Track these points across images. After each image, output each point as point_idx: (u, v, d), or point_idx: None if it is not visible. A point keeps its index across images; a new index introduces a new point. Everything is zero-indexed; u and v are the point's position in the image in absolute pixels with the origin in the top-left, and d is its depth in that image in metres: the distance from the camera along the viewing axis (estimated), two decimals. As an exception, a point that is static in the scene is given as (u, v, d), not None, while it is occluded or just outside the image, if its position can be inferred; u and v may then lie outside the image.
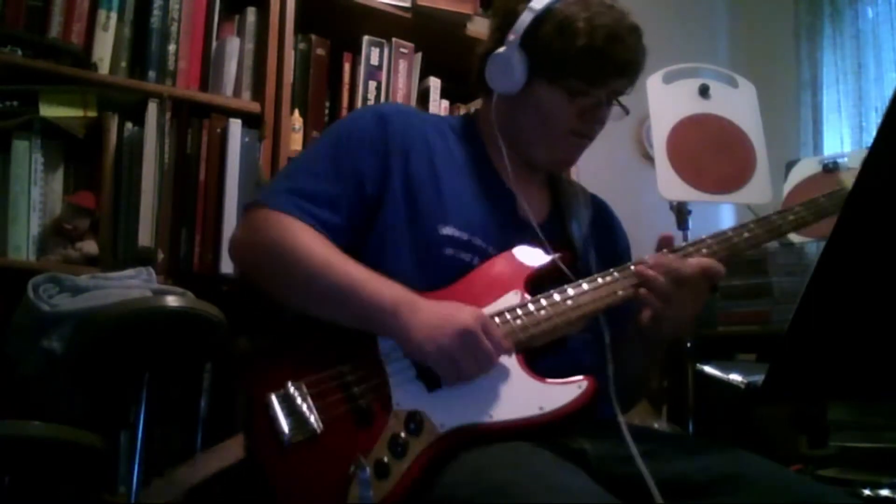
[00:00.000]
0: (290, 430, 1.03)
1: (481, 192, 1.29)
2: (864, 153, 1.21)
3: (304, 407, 1.04)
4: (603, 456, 1.09)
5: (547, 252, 1.24)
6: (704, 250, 1.21)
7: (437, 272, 1.17)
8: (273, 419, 1.04)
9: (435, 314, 1.08)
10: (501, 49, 1.27)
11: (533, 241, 1.25)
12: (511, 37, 1.25)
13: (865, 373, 0.91)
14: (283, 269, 1.16)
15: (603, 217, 1.46)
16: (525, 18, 1.25)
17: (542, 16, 1.24)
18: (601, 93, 1.28)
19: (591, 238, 1.35)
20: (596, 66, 1.25)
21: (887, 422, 1.56)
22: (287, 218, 1.18)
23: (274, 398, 1.06)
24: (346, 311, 1.12)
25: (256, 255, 1.21)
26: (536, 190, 1.38)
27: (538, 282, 1.20)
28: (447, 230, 1.21)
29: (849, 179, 1.30)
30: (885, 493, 1.42)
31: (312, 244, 1.16)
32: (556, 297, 1.16)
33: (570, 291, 1.17)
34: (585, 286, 1.18)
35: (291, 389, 1.06)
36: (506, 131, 1.32)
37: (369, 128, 1.27)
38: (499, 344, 1.07)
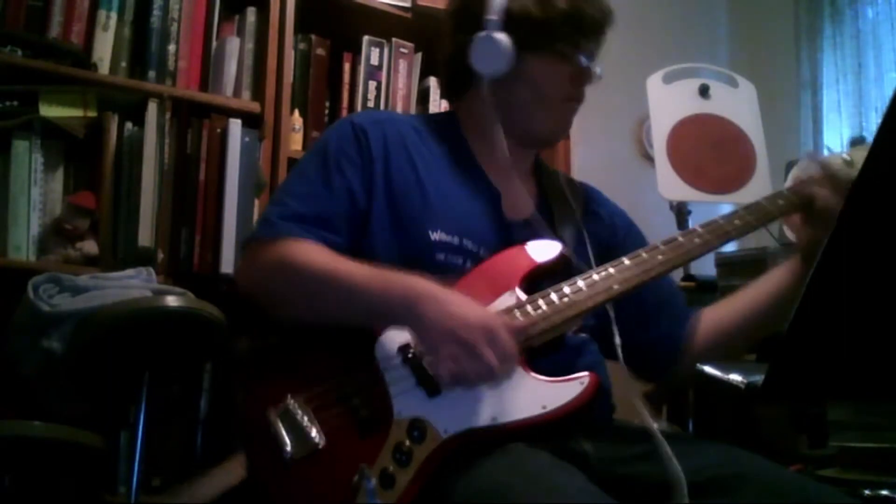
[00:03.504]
0: (292, 446, 1.02)
1: (467, 191, 1.28)
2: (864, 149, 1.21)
3: (305, 421, 1.03)
4: (604, 457, 1.09)
5: (539, 251, 1.24)
6: (660, 256, 1.22)
7: (430, 278, 1.16)
8: (274, 436, 1.03)
9: (444, 315, 1.04)
10: (482, 33, 1.27)
11: (523, 239, 1.24)
12: (493, 17, 1.26)
13: (865, 373, 0.91)
14: (291, 284, 1.15)
15: (594, 204, 1.45)
16: None
17: None
18: (584, 54, 1.30)
19: (584, 229, 1.34)
20: (577, 28, 1.28)
21: (887, 422, 1.55)
22: (287, 239, 1.18)
23: (273, 415, 1.04)
24: (358, 311, 1.11)
25: (263, 280, 1.19)
26: (522, 182, 1.37)
27: (534, 281, 1.20)
28: (437, 235, 1.20)
29: (834, 162, 1.31)
30: (885, 493, 1.41)
31: (314, 254, 1.16)
32: (553, 295, 1.16)
33: (567, 289, 1.17)
34: (581, 283, 1.18)
35: (291, 404, 1.05)
36: (502, 116, 1.31)
37: (349, 142, 1.26)
38: (504, 354, 1.03)
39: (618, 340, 1.19)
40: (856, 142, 1.42)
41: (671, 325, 1.37)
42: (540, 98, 1.31)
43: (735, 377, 1.74)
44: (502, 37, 1.26)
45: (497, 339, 1.02)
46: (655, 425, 1.11)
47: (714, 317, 1.37)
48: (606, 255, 1.28)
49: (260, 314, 1.23)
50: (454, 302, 1.06)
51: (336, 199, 1.22)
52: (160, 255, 1.92)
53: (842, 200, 1.17)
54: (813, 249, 1.26)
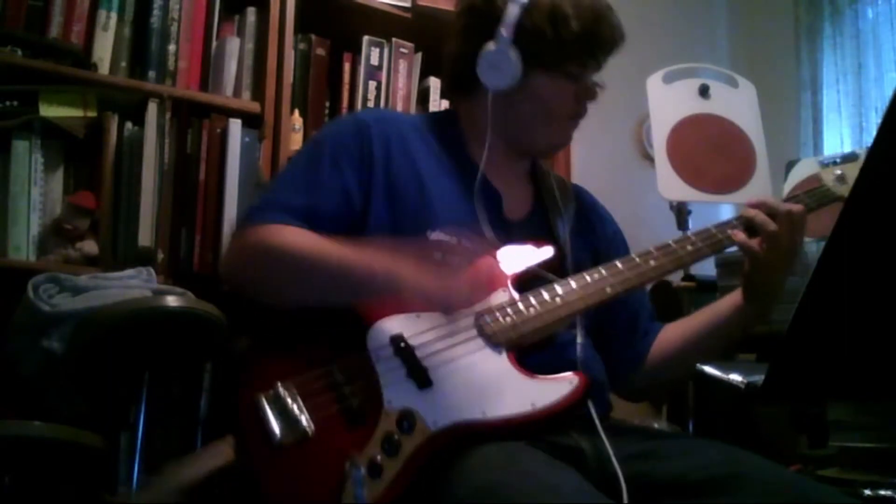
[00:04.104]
0: (280, 431, 1.02)
1: (466, 192, 1.28)
2: (863, 152, 1.21)
3: (295, 408, 1.03)
4: (600, 455, 1.09)
5: (533, 251, 1.24)
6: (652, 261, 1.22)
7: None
8: (263, 421, 1.03)
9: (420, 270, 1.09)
10: (492, 46, 1.26)
11: (519, 239, 1.25)
12: (503, 32, 1.25)
13: (865, 373, 0.91)
14: (273, 265, 1.16)
15: (586, 207, 1.46)
16: (512, 12, 1.25)
17: (529, 7, 1.25)
18: (593, 74, 1.31)
19: (576, 231, 1.35)
20: (590, 49, 1.28)
21: (887, 422, 1.55)
22: (271, 224, 1.18)
23: (263, 399, 1.04)
24: (346, 290, 1.12)
25: (247, 265, 1.20)
26: (519, 184, 1.38)
27: (526, 280, 1.20)
28: (436, 235, 1.21)
29: (827, 176, 1.31)
30: (884, 493, 1.41)
31: (299, 237, 1.16)
32: (545, 294, 1.17)
33: (559, 289, 1.17)
34: (574, 284, 1.18)
35: (281, 390, 1.05)
36: (503, 126, 1.31)
37: (350, 139, 1.26)
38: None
39: (580, 340, 1.21)
40: (848, 158, 1.40)
41: (637, 341, 1.38)
42: (543, 114, 1.31)
43: (735, 377, 1.74)
44: (513, 54, 1.25)
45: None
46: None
47: (668, 337, 1.39)
48: (594, 258, 1.28)
49: (259, 313, 1.24)
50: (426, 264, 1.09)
51: (327, 195, 1.22)
52: (160, 255, 1.92)
53: (775, 245, 1.18)
54: (750, 286, 1.27)
